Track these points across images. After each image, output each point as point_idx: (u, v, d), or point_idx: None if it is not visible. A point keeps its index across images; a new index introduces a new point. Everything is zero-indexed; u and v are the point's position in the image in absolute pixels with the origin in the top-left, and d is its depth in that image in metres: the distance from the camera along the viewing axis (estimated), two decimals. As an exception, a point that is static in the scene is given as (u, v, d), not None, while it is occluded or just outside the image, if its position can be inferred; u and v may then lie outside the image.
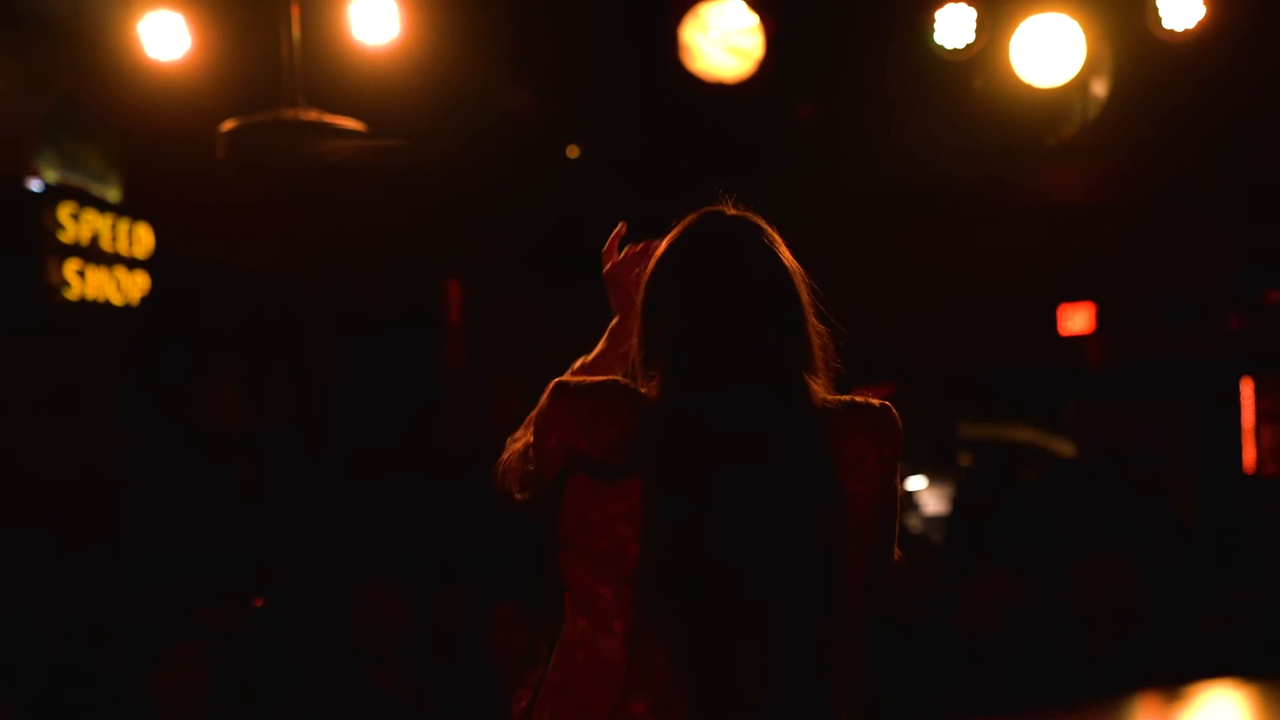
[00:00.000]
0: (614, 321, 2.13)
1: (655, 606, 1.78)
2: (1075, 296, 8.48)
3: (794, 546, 1.79)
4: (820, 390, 1.88)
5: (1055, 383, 9.38)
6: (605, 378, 1.89)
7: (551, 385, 1.88)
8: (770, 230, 1.94)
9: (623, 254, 2.14)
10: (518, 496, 1.94)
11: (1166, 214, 7.84)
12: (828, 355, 1.92)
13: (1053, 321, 8.56)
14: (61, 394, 6.27)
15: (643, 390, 1.88)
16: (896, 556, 1.98)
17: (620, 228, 2.18)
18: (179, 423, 7.36)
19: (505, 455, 2.00)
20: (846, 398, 1.90)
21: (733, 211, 1.95)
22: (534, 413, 1.95)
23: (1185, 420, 8.93)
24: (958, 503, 8.70)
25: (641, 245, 2.11)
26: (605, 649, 1.80)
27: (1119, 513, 7.57)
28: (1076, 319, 8.53)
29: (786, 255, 1.92)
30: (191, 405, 7.62)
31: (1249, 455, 9.04)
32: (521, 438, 1.97)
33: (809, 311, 1.91)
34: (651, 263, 1.94)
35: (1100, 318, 8.51)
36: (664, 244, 1.95)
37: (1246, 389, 8.99)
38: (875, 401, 1.90)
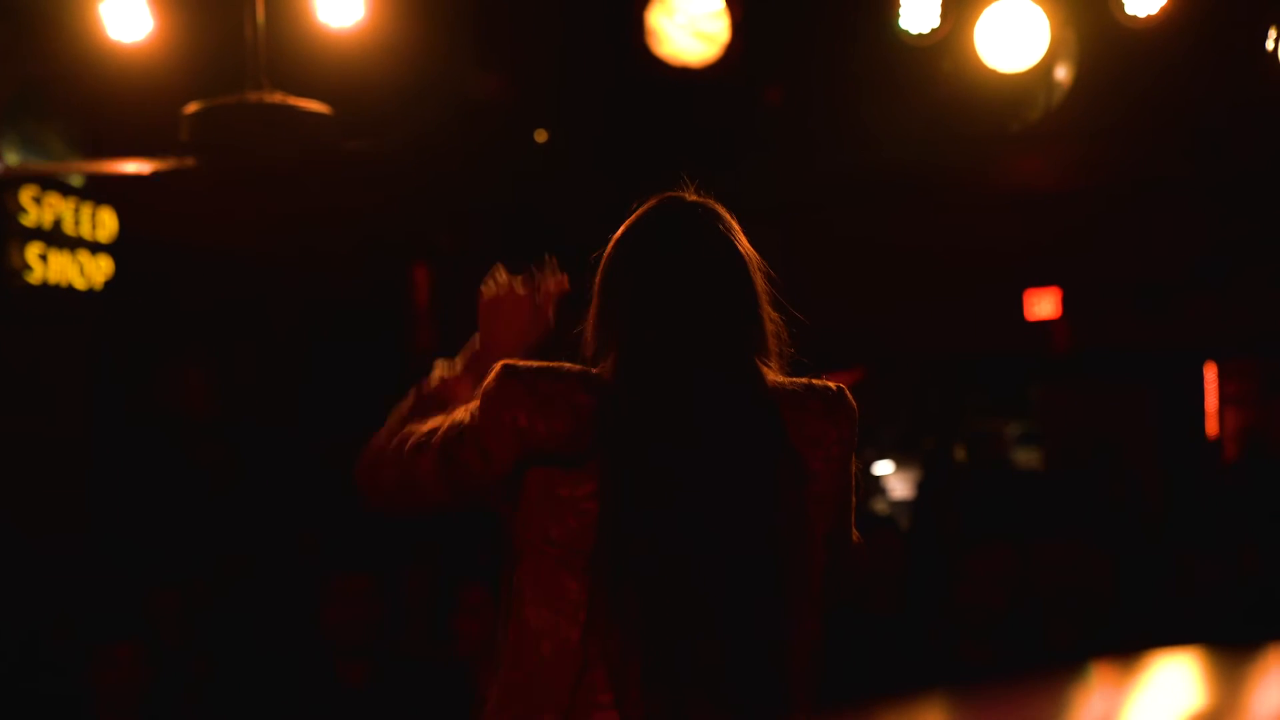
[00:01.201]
0: (475, 347, 2.13)
1: (612, 594, 1.78)
2: (1041, 282, 8.53)
3: (749, 529, 1.80)
4: (774, 374, 1.89)
5: (1021, 367, 9.44)
6: (556, 364, 1.87)
7: (500, 367, 1.86)
8: (728, 216, 1.95)
9: (502, 290, 2.13)
10: (406, 497, 1.94)
11: (1131, 200, 7.90)
12: (782, 342, 1.94)
13: (1019, 307, 8.61)
14: (24, 379, 6.22)
15: (595, 372, 1.87)
16: (855, 538, 2.00)
17: (498, 266, 2.17)
18: (145, 409, 7.32)
19: (385, 443, 1.98)
20: (803, 380, 1.91)
21: (691, 197, 1.96)
22: (412, 401, 1.97)
23: (1150, 405, 9.01)
24: (924, 487, 8.73)
25: (523, 279, 2.12)
26: (572, 639, 1.79)
27: (1085, 496, 7.62)
28: (1043, 304, 8.57)
29: (743, 242, 1.94)
30: (158, 391, 7.57)
31: (1213, 438, 9.13)
32: (417, 426, 1.95)
33: (764, 298, 1.92)
34: (609, 247, 1.95)
35: (1066, 303, 8.56)
36: (622, 228, 1.95)
37: (1210, 373, 9.08)
38: (831, 384, 1.92)
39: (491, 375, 1.85)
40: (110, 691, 3.84)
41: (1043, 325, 8.63)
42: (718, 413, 1.83)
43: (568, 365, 1.87)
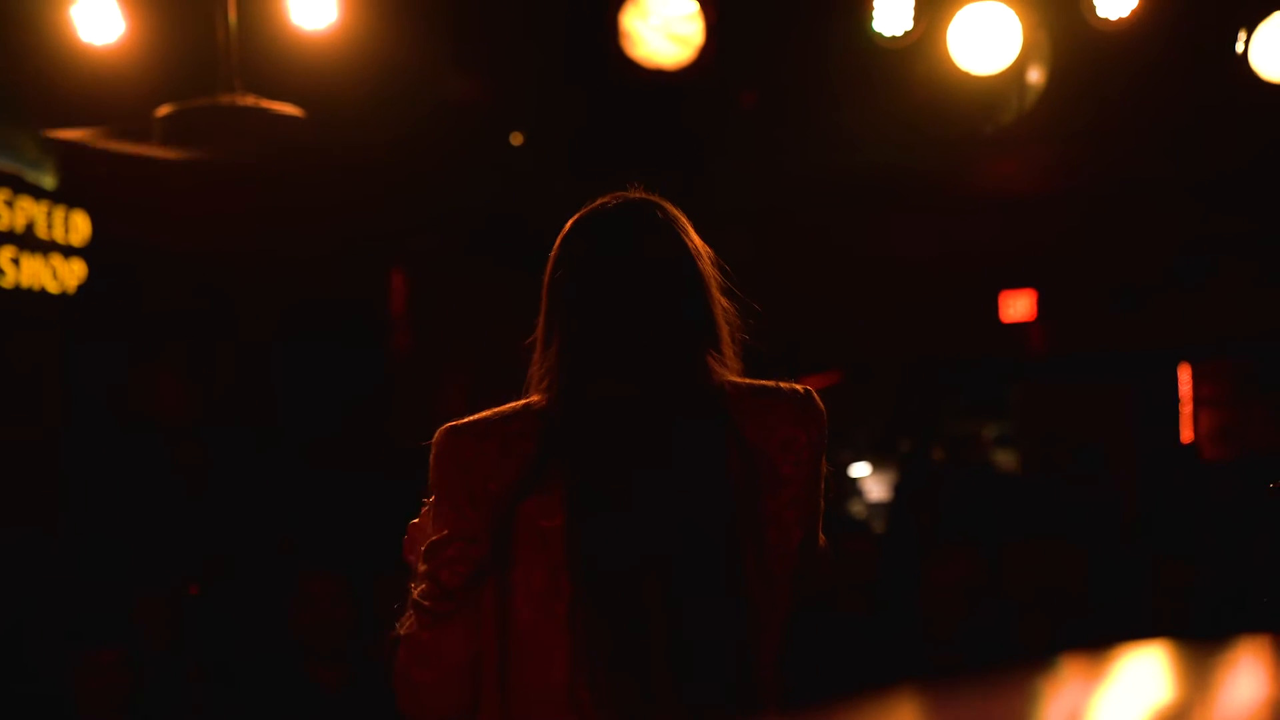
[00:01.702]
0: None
1: (580, 601, 1.78)
2: (1017, 283, 8.56)
3: (703, 530, 1.80)
4: (727, 372, 1.89)
5: (998, 369, 9.47)
6: (497, 410, 1.86)
7: (441, 433, 1.84)
8: (673, 210, 1.93)
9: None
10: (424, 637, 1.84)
11: (1105, 202, 7.93)
12: (735, 330, 1.92)
13: (995, 309, 8.64)
14: (-2, 383, 6.19)
15: (535, 395, 1.87)
16: (820, 541, 1.99)
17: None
18: (119, 413, 7.28)
19: (409, 666, 1.89)
20: (770, 383, 1.90)
21: (635, 195, 1.95)
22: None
23: (1127, 405, 9.05)
24: (900, 489, 8.75)
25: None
26: (556, 683, 1.79)
27: (1062, 497, 7.65)
28: (1018, 306, 8.61)
29: (689, 233, 1.92)
30: (132, 395, 7.53)
31: (1187, 439, 9.17)
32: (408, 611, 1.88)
33: (713, 286, 1.90)
34: (554, 250, 1.93)
35: (1041, 305, 8.59)
36: (564, 229, 1.95)
37: (1185, 374, 9.13)
38: (799, 387, 1.91)
39: (435, 441, 1.84)
40: (92, 697, 3.82)
41: (1019, 327, 8.66)
42: (661, 415, 1.82)
43: (503, 409, 1.86)
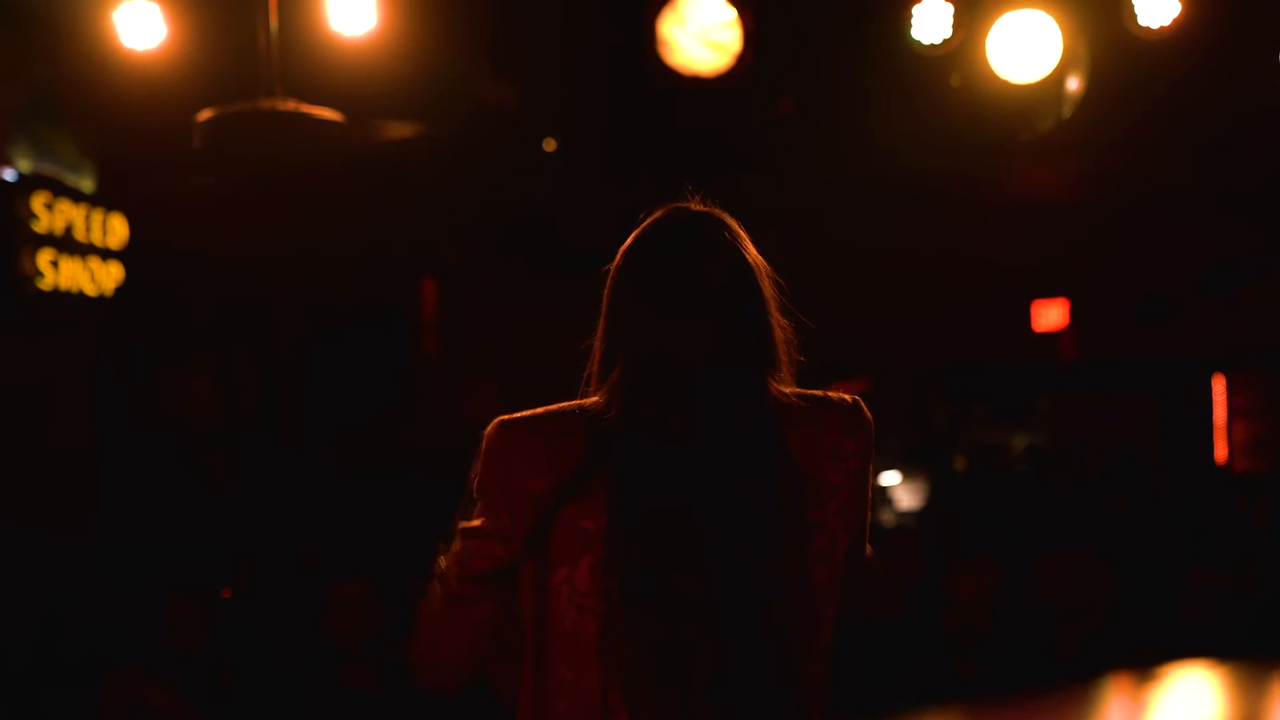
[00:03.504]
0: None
1: (617, 608, 1.77)
2: (1049, 293, 8.53)
3: (751, 544, 1.78)
4: (782, 388, 1.88)
5: (1029, 378, 9.44)
6: (550, 408, 1.86)
7: (495, 424, 1.85)
8: (734, 225, 1.92)
9: None
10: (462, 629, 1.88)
11: (1140, 211, 7.90)
12: (792, 350, 1.91)
13: (1027, 317, 8.61)
14: (34, 385, 6.23)
15: (593, 399, 1.87)
16: (868, 552, 1.98)
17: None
18: (153, 416, 7.32)
19: (423, 635, 1.93)
20: (818, 392, 1.90)
21: (697, 207, 1.94)
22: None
23: (1158, 416, 9.00)
24: (931, 498, 8.73)
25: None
26: (592, 688, 1.78)
27: (1092, 507, 7.61)
28: (1050, 315, 8.58)
29: (750, 250, 1.91)
30: (165, 398, 7.57)
31: (1221, 451, 9.12)
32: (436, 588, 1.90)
33: (772, 306, 1.90)
34: (616, 259, 1.93)
35: (1074, 314, 8.56)
36: (628, 240, 1.94)
37: (1219, 385, 9.07)
38: (847, 397, 1.90)
39: (489, 432, 1.85)
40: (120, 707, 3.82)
41: (1051, 336, 8.63)
42: (716, 429, 1.81)
43: (561, 407, 1.87)
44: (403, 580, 4.75)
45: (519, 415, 1.86)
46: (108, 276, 6.20)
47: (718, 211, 1.94)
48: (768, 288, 1.90)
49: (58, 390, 6.38)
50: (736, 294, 1.87)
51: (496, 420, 1.86)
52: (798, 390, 1.90)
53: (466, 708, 4.08)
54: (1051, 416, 9.68)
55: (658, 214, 1.94)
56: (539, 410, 1.87)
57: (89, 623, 5.01)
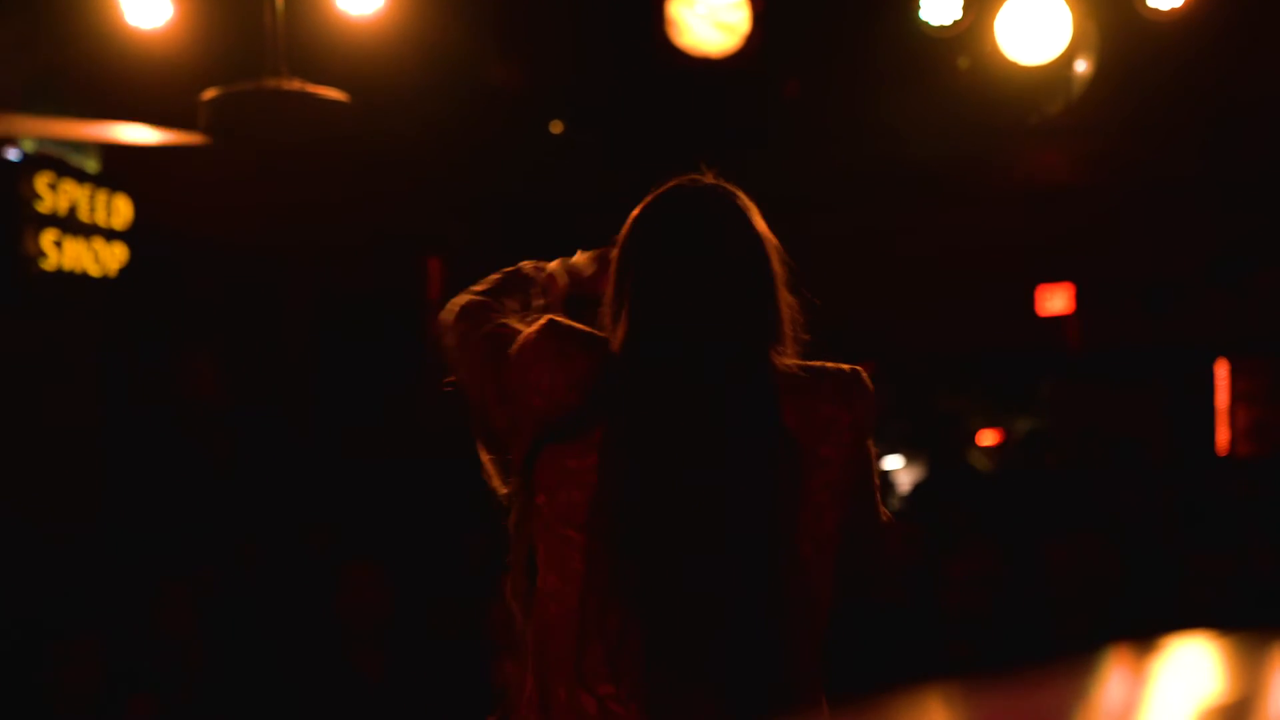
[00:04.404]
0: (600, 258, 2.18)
1: (609, 562, 1.79)
2: (1054, 277, 8.52)
3: (745, 514, 1.79)
4: (785, 359, 1.88)
5: (1033, 364, 9.43)
6: (581, 326, 1.93)
7: (544, 321, 1.93)
8: (745, 199, 1.94)
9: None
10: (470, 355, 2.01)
11: (1147, 196, 7.88)
12: (798, 326, 1.92)
13: (1031, 302, 8.60)
14: (38, 366, 6.22)
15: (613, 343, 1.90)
16: (884, 517, 1.98)
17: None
18: (157, 397, 7.31)
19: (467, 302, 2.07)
20: (817, 364, 1.89)
21: (709, 179, 1.96)
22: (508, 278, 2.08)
23: (1161, 401, 8.99)
24: (934, 482, 8.71)
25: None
26: (575, 604, 1.81)
27: (1096, 493, 7.61)
28: (1055, 300, 8.56)
29: (761, 225, 1.92)
30: (169, 380, 7.56)
31: (1223, 436, 9.11)
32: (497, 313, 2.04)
33: (779, 281, 1.91)
34: (627, 224, 1.95)
35: (1079, 299, 8.54)
36: (638, 207, 1.96)
37: (1222, 371, 9.07)
38: (845, 367, 1.89)
39: (535, 327, 1.92)
40: (72, 684, 3.77)
41: (1055, 321, 8.62)
42: (719, 396, 1.82)
43: (590, 330, 1.93)
44: (410, 562, 4.76)
45: (566, 322, 1.93)
46: (112, 257, 6.19)
47: (728, 185, 1.95)
48: (776, 263, 1.91)
49: (61, 371, 6.37)
50: (747, 266, 1.89)
51: (546, 318, 1.93)
52: (800, 362, 1.90)
53: (475, 689, 4.09)
54: (1055, 402, 9.67)
55: (671, 183, 1.96)
56: (582, 326, 1.94)
57: (93, 604, 5.00)
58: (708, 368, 1.83)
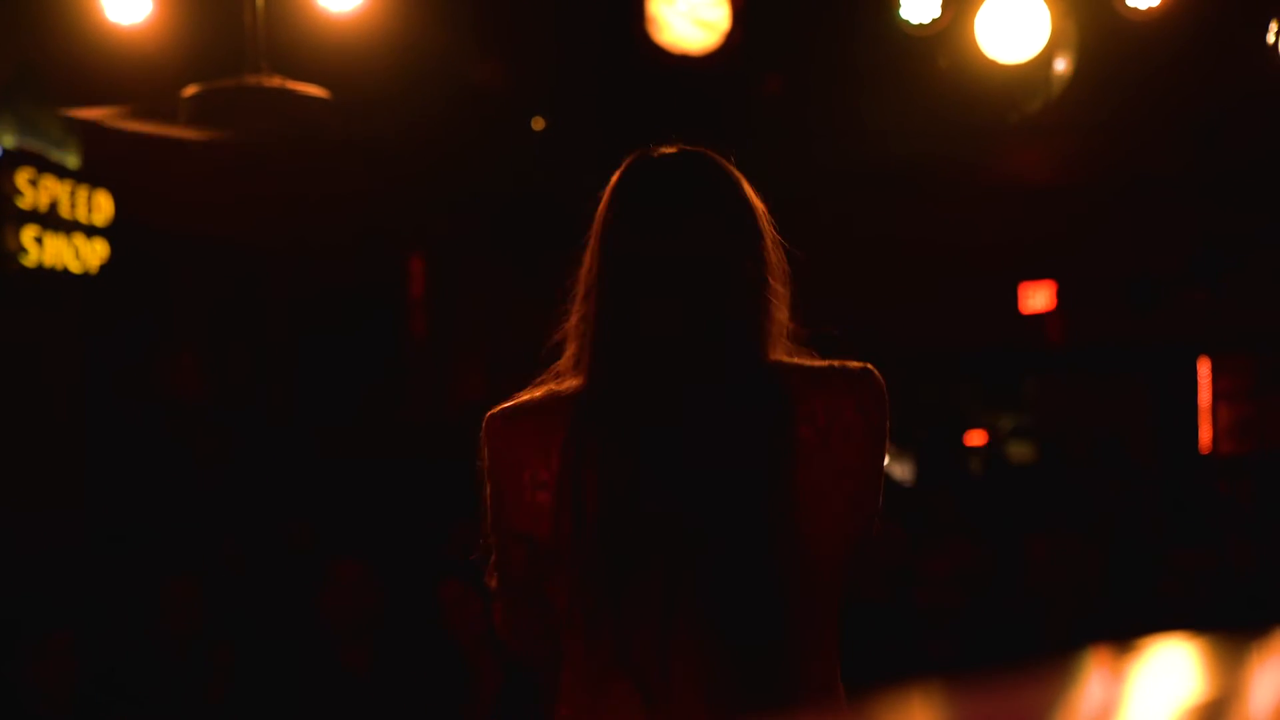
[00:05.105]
0: None
1: (596, 573, 1.71)
2: (1036, 275, 8.54)
3: (745, 508, 1.71)
4: (780, 347, 1.79)
5: (1016, 361, 9.45)
6: (528, 396, 1.78)
7: (486, 420, 1.77)
8: (728, 165, 1.81)
9: None
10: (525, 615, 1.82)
11: (1127, 194, 7.91)
12: (791, 297, 1.80)
13: (1014, 300, 8.62)
14: (19, 363, 6.20)
15: (568, 374, 1.78)
16: (875, 527, 1.85)
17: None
18: (139, 394, 7.30)
19: (500, 620, 1.86)
20: (824, 363, 1.78)
21: (690, 147, 1.82)
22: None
23: (1144, 399, 9.03)
24: (917, 480, 8.75)
25: None
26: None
27: (1078, 489, 7.63)
28: (1037, 297, 8.59)
29: (749, 190, 1.79)
30: (152, 377, 7.55)
31: (1205, 433, 9.15)
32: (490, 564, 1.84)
33: (769, 243, 1.78)
34: (605, 194, 1.80)
35: (1061, 296, 8.57)
36: (613, 178, 1.81)
37: (1204, 368, 9.10)
38: (854, 365, 1.78)
39: (484, 430, 1.77)
40: (46, 682, 3.75)
41: (1038, 318, 8.64)
42: (706, 395, 1.72)
43: (536, 393, 1.78)
44: (395, 559, 4.75)
45: (501, 407, 1.78)
46: (93, 254, 6.17)
47: (709, 151, 1.82)
48: (767, 228, 1.79)
49: (43, 368, 6.36)
50: (727, 229, 1.75)
51: (486, 416, 1.77)
52: (805, 361, 1.80)
53: (458, 687, 4.09)
54: (1037, 399, 9.70)
55: (641, 153, 1.82)
56: (520, 400, 1.78)
57: (79, 602, 4.99)
58: (698, 368, 1.71)
